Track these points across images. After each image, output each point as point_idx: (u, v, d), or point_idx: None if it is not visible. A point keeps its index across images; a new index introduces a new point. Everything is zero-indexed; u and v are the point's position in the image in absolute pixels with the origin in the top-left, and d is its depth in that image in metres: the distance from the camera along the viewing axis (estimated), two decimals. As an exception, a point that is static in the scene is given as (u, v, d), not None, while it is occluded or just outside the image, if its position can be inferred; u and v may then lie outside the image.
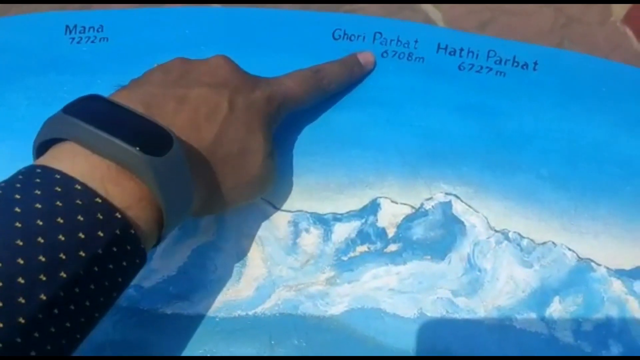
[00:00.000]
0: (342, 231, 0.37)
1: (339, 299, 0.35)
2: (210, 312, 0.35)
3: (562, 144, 0.40)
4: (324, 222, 0.37)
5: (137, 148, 0.25)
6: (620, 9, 0.49)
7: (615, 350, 0.34)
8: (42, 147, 0.27)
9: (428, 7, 0.47)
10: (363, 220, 0.37)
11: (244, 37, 0.43)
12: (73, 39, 0.43)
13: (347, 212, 0.38)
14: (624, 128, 0.40)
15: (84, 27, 0.43)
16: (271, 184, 0.35)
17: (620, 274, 0.36)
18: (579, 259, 0.37)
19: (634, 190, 0.38)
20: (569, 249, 0.37)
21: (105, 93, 0.38)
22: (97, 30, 0.43)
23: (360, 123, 0.40)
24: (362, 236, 0.37)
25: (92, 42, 0.43)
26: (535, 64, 0.42)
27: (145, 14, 0.44)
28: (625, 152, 0.39)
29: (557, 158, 0.39)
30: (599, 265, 0.36)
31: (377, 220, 0.37)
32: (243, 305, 0.35)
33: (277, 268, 0.36)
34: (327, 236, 0.37)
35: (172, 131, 0.27)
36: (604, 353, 0.34)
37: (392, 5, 0.45)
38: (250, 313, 0.35)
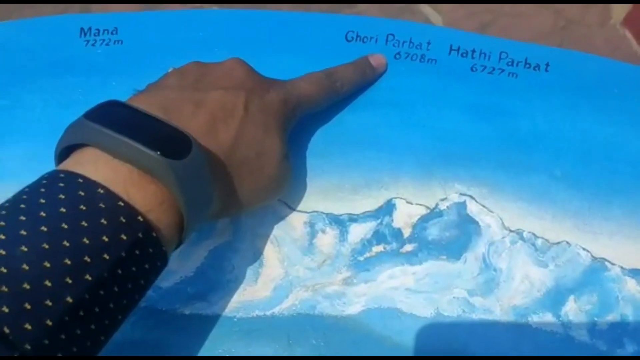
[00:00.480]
0: (358, 232, 0.37)
1: (355, 299, 0.36)
2: (228, 312, 0.35)
3: (574, 144, 0.40)
4: (340, 222, 0.38)
5: (158, 152, 0.25)
6: (619, 11, 0.50)
7: (630, 349, 0.35)
8: (63, 153, 0.27)
9: (428, 10, 0.47)
10: (379, 221, 0.38)
11: (258, 39, 0.43)
12: (88, 41, 0.43)
13: (363, 213, 0.38)
14: (635, 128, 0.40)
15: (99, 30, 0.43)
16: (287, 186, 0.35)
17: (634, 273, 0.37)
18: (593, 258, 0.37)
19: (646, 190, 0.39)
20: (583, 249, 0.37)
21: (120, 95, 0.39)
22: (112, 33, 0.43)
23: (374, 124, 0.41)
24: (378, 236, 0.37)
25: (107, 44, 0.43)
26: (547, 65, 0.43)
27: (158, 16, 0.44)
28: (637, 152, 0.40)
29: (569, 158, 0.40)
30: (613, 264, 0.37)
31: (392, 220, 0.38)
32: (261, 306, 0.35)
33: (294, 268, 0.36)
34: (343, 236, 0.37)
35: (190, 135, 0.27)
36: (619, 352, 0.35)
37: (392, 8, 0.46)
38: (268, 313, 0.35)
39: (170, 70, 0.35)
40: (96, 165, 0.25)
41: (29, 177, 0.26)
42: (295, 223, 0.38)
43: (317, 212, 0.38)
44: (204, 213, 0.29)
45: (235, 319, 0.35)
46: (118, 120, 0.26)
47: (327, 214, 0.38)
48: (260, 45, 0.43)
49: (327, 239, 0.37)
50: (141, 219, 0.25)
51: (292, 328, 0.35)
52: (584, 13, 0.48)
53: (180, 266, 0.36)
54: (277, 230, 0.37)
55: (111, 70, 0.42)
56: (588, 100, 0.41)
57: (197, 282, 0.36)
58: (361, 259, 0.37)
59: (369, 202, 0.38)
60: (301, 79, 0.37)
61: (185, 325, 0.35)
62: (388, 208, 0.38)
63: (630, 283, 0.36)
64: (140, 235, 0.25)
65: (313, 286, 0.36)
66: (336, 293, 0.36)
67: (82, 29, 0.43)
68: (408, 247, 0.37)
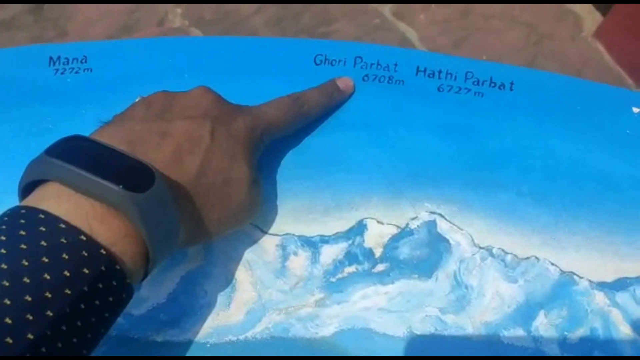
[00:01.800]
0: (330, 253, 0.38)
1: (329, 320, 0.36)
2: (201, 338, 0.35)
3: (540, 161, 0.41)
4: (312, 244, 0.38)
5: (120, 186, 0.25)
6: (590, 24, 0.51)
7: (601, 362, 0.35)
8: (27, 188, 0.27)
9: (404, 27, 0.48)
10: (350, 242, 0.38)
11: (227, 66, 0.44)
12: (57, 70, 0.43)
13: (334, 234, 0.38)
14: (599, 144, 0.41)
15: (68, 59, 0.44)
16: (257, 211, 0.36)
17: (602, 286, 0.37)
18: (562, 272, 0.37)
19: (611, 204, 0.39)
20: (552, 264, 0.38)
21: (91, 123, 0.39)
22: (81, 62, 0.44)
23: (344, 146, 0.41)
24: (350, 257, 0.38)
25: (76, 72, 0.43)
26: (512, 84, 0.44)
27: (128, 44, 0.44)
28: (601, 167, 0.41)
29: (536, 175, 0.40)
30: (581, 278, 0.37)
31: (364, 240, 0.38)
32: (234, 330, 0.35)
33: (267, 292, 0.36)
34: (315, 258, 0.37)
35: (154, 167, 0.27)
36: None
37: (368, 26, 0.47)
38: (241, 337, 0.35)
39: (137, 99, 0.35)
40: (58, 201, 0.25)
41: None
42: (267, 246, 0.38)
43: (289, 234, 0.38)
44: (171, 243, 0.29)
45: (208, 345, 0.35)
46: (79, 155, 0.27)
47: (299, 236, 0.38)
48: (230, 71, 0.44)
49: (299, 261, 0.37)
50: (104, 252, 0.25)
51: (265, 352, 0.35)
52: (555, 27, 0.49)
53: (153, 293, 0.36)
54: (250, 254, 0.37)
55: (81, 99, 0.42)
56: (552, 118, 0.42)
57: (170, 308, 0.36)
58: (333, 280, 0.37)
59: (340, 223, 0.39)
60: (268, 105, 0.37)
61: (158, 353, 0.34)
62: (359, 228, 0.38)
63: (599, 296, 0.37)
64: (103, 268, 0.25)
65: (286, 309, 0.36)
66: (309, 315, 0.36)
67: (51, 58, 0.43)
68: (380, 267, 0.37)
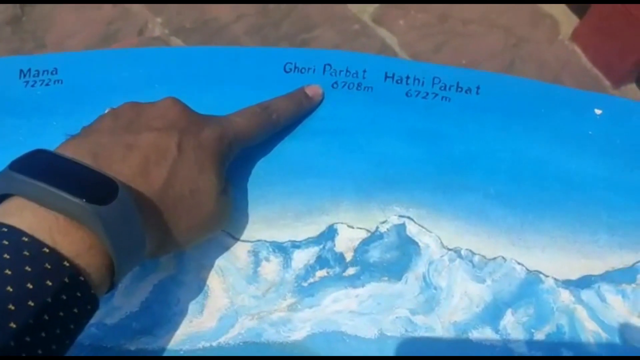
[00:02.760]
0: (302, 258, 0.38)
1: (301, 325, 0.36)
2: (174, 346, 0.35)
3: (506, 164, 0.42)
4: (283, 250, 0.38)
5: (83, 199, 0.26)
6: (567, 27, 0.52)
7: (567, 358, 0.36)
8: None
9: (384, 33, 0.49)
10: (321, 246, 0.39)
11: (198, 75, 0.44)
12: (27, 82, 0.43)
13: (306, 239, 0.39)
14: (562, 145, 0.42)
15: (38, 71, 0.44)
16: (226, 220, 0.36)
17: (567, 284, 0.38)
18: (528, 271, 0.38)
19: (575, 204, 0.40)
20: (518, 263, 0.38)
21: (61, 135, 0.39)
22: (51, 73, 0.44)
23: (314, 152, 0.42)
24: (321, 261, 0.38)
25: (47, 85, 0.43)
26: (478, 88, 0.45)
27: (98, 55, 0.45)
28: (565, 168, 0.42)
29: (503, 177, 0.41)
30: (547, 276, 0.38)
31: (334, 245, 0.39)
32: (207, 337, 0.36)
33: (239, 297, 0.37)
34: (287, 263, 0.38)
35: (117, 179, 0.28)
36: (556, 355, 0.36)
37: (348, 32, 0.47)
38: (214, 344, 0.35)
39: (106, 111, 0.36)
40: (22, 215, 0.26)
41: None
42: (239, 253, 0.38)
43: (260, 240, 0.39)
44: (136, 255, 0.29)
45: (181, 352, 0.35)
46: (43, 169, 0.27)
47: (270, 242, 0.39)
48: (200, 80, 0.44)
49: (271, 266, 0.38)
50: (67, 264, 0.25)
51: (238, 357, 0.35)
52: (533, 31, 0.50)
53: (125, 302, 0.36)
54: (222, 261, 0.38)
55: (52, 111, 0.42)
56: (518, 121, 0.43)
57: (143, 317, 0.36)
58: (305, 284, 0.37)
59: (312, 229, 0.39)
60: (236, 114, 0.38)
61: (131, 361, 0.35)
62: (330, 233, 0.39)
63: (564, 294, 0.38)
64: (66, 280, 0.25)
65: (258, 314, 0.36)
66: (281, 320, 0.36)
67: (21, 70, 0.44)
68: (351, 271, 0.38)
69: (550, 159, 0.42)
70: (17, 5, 0.54)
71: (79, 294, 0.25)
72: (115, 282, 0.28)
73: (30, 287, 0.24)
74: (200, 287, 0.37)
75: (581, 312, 0.37)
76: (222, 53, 0.46)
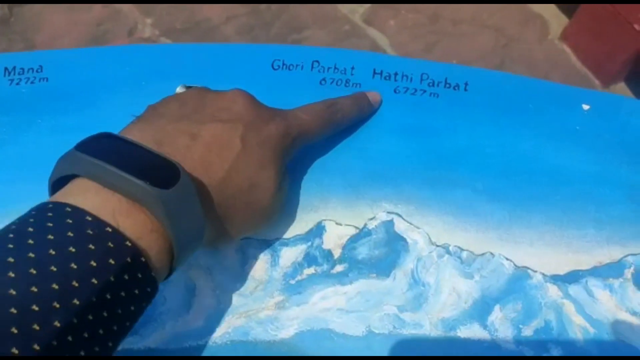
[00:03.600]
0: (289, 255, 0.38)
1: (288, 323, 0.36)
2: (161, 345, 0.35)
3: (495, 159, 0.42)
4: (271, 247, 0.38)
5: (146, 181, 0.26)
6: (556, 27, 0.52)
7: (555, 353, 0.36)
8: (56, 185, 0.28)
9: (375, 33, 0.49)
10: (309, 244, 0.38)
11: (185, 73, 0.44)
12: (12, 80, 0.43)
13: (294, 237, 0.39)
14: (550, 140, 0.42)
15: (23, 69, 0.43)
16: (277, 217, 0.36)
17: (555, 279, 0.38)
18: (516, 267, 0.38)
19: (563, 199, 0.40)
20: (506, 259, 0.38)
21: (47, 132, 0.39)
22: (37, 71, 0.43)
23: (302, 149, 0.41)
24: (309, 259, 0.38)
25: (32, 82, 0.43)
26: (466, 84, 0.45)
27: (84, 53, 0.44)
28: (553, 163, 0.42)
29: (491, 172, 0.41)
30: (535, 272, 0.38)
31: (322, 242, 0.38)
32: (193, 336, 0.35)
33: (227, 296, 0.37)
34: (274, 261, 0.38)
35: (180, 164, 0.28)
36: (544, 356, 0.36)
37: (339, 33, 0.47)
38: (202, 343, 0.35)
39: (178, 89, 0.37)
40: (85, 195, 0.26)
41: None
42: (227, 251, 0.38)
43: (248, 238, 0.38)
44: (196, 241, 0.29)
45: (168, 351, 0.35)
46: (108, 151, 0.27)
47: (258, 240, 0.38)
48: (187, 77, 0.44)
49: (259, 264, 0.38)
50: (129, 244, 0.25)
51: (226, 356, 0.35)
52: (523, 31, 0.50)
53: (112, 301, 0.36)
54: (209, 260, 0.38)
55: (37, 108, 0.42)
56: (506, 117, 0.43)
57: (129, 316, 0.36)
58: (293, 282, 0.37)
59: (300, 226, 0.39)
60: (302, 110, 0.38)
61: (118, 361, 0.35)
62: (318, 230, 0.39)
63: (552, 289, 0.38)
64: (128, 259, 0.25)
65: (246, 312, 0.36)
66: (269, 318, 0.36)
67: (5, 68, 0.43)
68: (339, 268, 0.38)
69: (539, 154, 0.42)
70: (5, 5, 0.53)
71: (140, 275, 0.25)
72: (174, 267, 0.28)
73: (94, 264, 0.24)
74: (187, 286, 0.37)
75: (569, 307, 0.37)
76: (209, 50, 0.45)
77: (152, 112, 0.34)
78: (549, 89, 0.45)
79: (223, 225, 0.32)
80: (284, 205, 0.36)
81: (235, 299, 0.37)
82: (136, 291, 0.25)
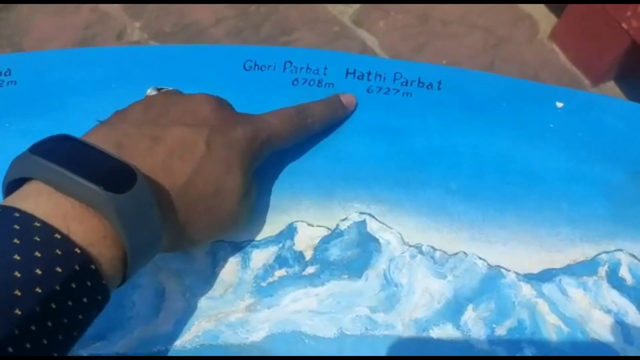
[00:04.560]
0: (260, 257, 0.38)
1: (259, 325, 0.36)
2: (129, 350, 0.34)
3: (468, 159, 0.42)
4: (242, 249, 0.38)
5: (99, 186, 0.25)
6: (546, 27, 0.52)
7: (528, 352, 0.36)
8: (12, 186, 0.27)
9: (364, 34, 0.49)
10: (280, 245, 0.38)
11: (156, 74, 0.44)
12: (-20, 84, 0.42)
13: (264, 239, 0.38)
14: (524, 140, 0.42)
15: (-9, 72, 0.43)
16: (245, 222, 0.36)
17: (529, 278, 0.38)
18: (490, 266, 0.38)
19: (537, 198, 0.40)
20: (480, 258, 0.38)
21: (14, 136, 0.38)
22: (5, 74, 0.43)
23: (273, 151, 0.41)
24: (280, 261, 0.38)
25: (0, 86, 0.42)
26: (440, 83, 0.44)
27: (52, 55, 0.44)
28: (527, 163, 0.41)
29: (464, 172, 0.41)
30: (508, 271, 0.38)
31: (294, 244, 0.38)
32: (162, 340, 0.35)
33: (196, 299, 0.36)
34: (245, 264, 0.37)
35: (137, 169, 0.27)
36: (518, 356, 0.36)
37: (328, 34, 0.47)
38: (171, 347, 0.35)
39: (148, 92, 0.36)
40: (37, 199, 0.25)
41: None
42: (197, 254, 0.37)
43: (218, 241, 0.38)
44: (151, 248, 0.29)
45: (137, 356, 0.34)
46: (62, 154, 0.27)
47: (228, 243, 0.38)
48: (159, 79, 0.43)
49: (229, 267, 0.37)
50: (78, 251, 0.24)
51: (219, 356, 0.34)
52: (512, 31, 0.50)
53: (79, 306, 0.35)
54: (179, 263, 0.37)
55: (5, 112, 0.42)
56: (479, 116, 0.43)
57: (96, 321, 0.35)
58: (264, 284, 0.37)
59: (271, 228, 0.39)
60: (272, 115, 0.37)
61: (85, 367, 0.34)
62: (289, 232, 0.38)
63: (525, 288, 0.38)
64: (76, 267, 0.24)
65: (216, 315, 0.36)
66: (239, 321, 0.36)
67: (-27, 72, 0.43)
68: (310, 269, 0.37)
69: (512, 153, 0.42)
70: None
71: (89, 284, 0.25)
72: (128, 274, 0.28)
73: (39, 272, 0.23)
74: (157, 290, 0.36)
75: (542, 306, 0.37)
76: (181, 51, 0.45)
77: (116, 117, 0.33)
78: (523, 87, 0.45)
79: (186, 230, 0.32)
80: (252, 210, 0.36)
81: (205, 302, 0.36)
82: (84, 299, 0.25)
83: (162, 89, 0.38)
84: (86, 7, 0.53)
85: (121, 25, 0.53)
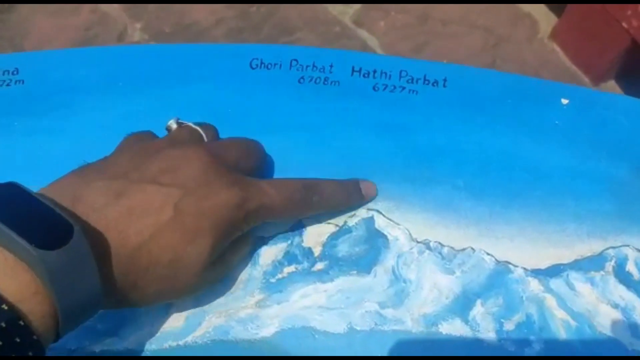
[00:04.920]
0: (269, 254, 0.38)
1: (269, 321, 0.36)
2: (140, 346, 0.35)
3: (474, 155, 0.42)
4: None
5: (29, 241, 0.24)
6: (546, 26, 0.53)
7: (537, 347, 0.36)
8: None
9: (365, 34, 0.49)
10: (289, 242, 0.38)
11: (162, 73, 0.44)
12: (-12, 82, 0.43)
13: (273, 235, 0.38)
14: (528, 136, 0.43)
15: (-2, 71, 0.43)
16: (205, 288, 0.34)
17: (536, 273, 0.38)
18: (497, 262, 0.38)
19: (542, 193, 0.40)
20: (487, 254, 0.38)
21: (20, 135, 0.38)
22: (12, 74, 0.43)
23: (281, 147, 0.41)
24: (289, 257, 0.38)
25: (8, 85, 0.43)
26: (445, 81, 0.45)
27: (60, 54, 0.44)
28: (532, 158, 0.42)
29: (470, 168, 0.41)
30: (516, 266, 0.38)
31: (302, 240, 0.38)
32: (173, 336, 0.35)
33: (206, 296, 0.36)
34: (254, 260, 0.38)
35: (77, 224, 0.26)
36: (526, 351, 0.36)
37: (329, 34, 0.47)
38: (181, 343, 0.35)
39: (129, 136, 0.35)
40: None
41: None
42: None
43: (228, 237, 0.38)
44: (87, 307, 0.28)
45: (147, 352, 0.35)
46: (3, 204, 0.26)
47: (237, 239, 0.38)
48: (165, 78, 0.43)
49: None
50: (6, 308, 0.24)
51: (205, 355, 0.35)
52: (512, 30, 0.51)
53: (89, 303, 0.35)
54: (188, 259, 0.37)
55: (13, 111, 0.42)
56: (485, 113, 0.44)
57: (107, 318, 0.35)
58: (273, 280, 0.37)
59: (280, 224, 0.39)
60: (272, 185, 0.34)
61: (95, 363, 0.34)
62: (298, 228, 0.39)
63: (533, 283, 0.38)
64: (3, 324, 0.23)
65: (226, 311, 0.36)
66: (249, 317, 0.36)
67: (-20, 71, 0.43)
68: (319, 266, 0.38)
69: (518, 149, 0.42)
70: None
71: (18, 340, 0.24)
72: (61, 332, 0.27)
73: None
74: (166, 286, 0.36)
75: (550, 301, 0.37)
76: (187, 50, 0.45)
77: (97, 164, 0.32)
78: (528, 84, 0.45)
79: (133, 294, 0.30)
80: (218, 279, 0.35)
81: (215, 298, 0.36)
82: (14, 355, 0.24)
83: (183, 123, 0.37)
84: (86, 8, 0.53)
85: (122, 26, 0.53)
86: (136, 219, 0.29)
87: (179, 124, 0.37)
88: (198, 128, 0.37)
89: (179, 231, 0.30)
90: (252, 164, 0.36)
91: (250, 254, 0.37)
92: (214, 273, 0.33)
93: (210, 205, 0.31)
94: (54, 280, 0.25)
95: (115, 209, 0.29)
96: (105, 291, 0.28)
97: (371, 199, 0.39)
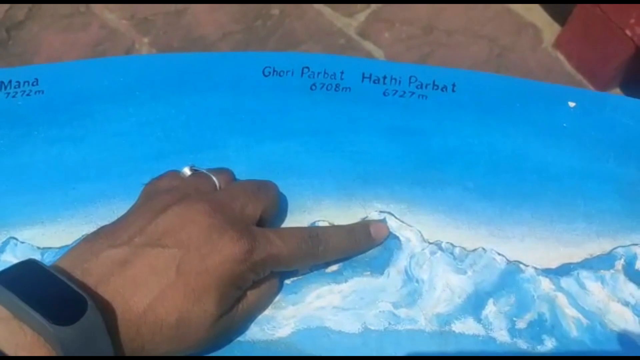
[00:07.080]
0: (284, 256, 0.38)
1: (285, 322, 0.36)
2: (160, 347, 0.35)
3: (483, 157, 0.43)
4: (266, 249, 0.39)
5: (45, 317, 0.25)
6: (550, 35, 0.53)
7: (549, 345, 0.36)
8: None
9: (370, 46, 0.50)
10: (303, 244, 0.39)
11: (179, 81, 0.45)
12: (8, 93, 0.44)
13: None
14: (537, 138, 0.43)
15: (19, 82, 0.44)
16: (220, 341, 0.35)
17: (547, 272, 0.39)
18: (508, 262, 0.39)
19: (552, 195, 0.41)
20: (498, 254, 0.39)
21: (41, 144, 0.39)
22: (32, 84, 0.44)
23: (294, 152, 0.42)
24: (304, 259, 0.38)
25: (28, 95, 0.44)
26: (454, 85, 0.46)
27: (78, 65, 0.45)
28: (541, 160, 0.42)
29: (480, 170, 0.42)
30: (527, 266, 0.39)
31: (317, 243, 0.39)
32: (191, 337, 0.36)
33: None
34: (269, 262, 0.38)
35: (90, 298, 0.27)
36: (539, 348, 0.36)
37: (334, 46, 0.49)
38: (200, 344, 0.36)
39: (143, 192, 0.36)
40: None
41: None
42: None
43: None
44: None
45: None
46: (22, 283, 0.27)
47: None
48: (179, 86, 0.45)
49: (254, 266, 0.38)
50: None
51: (224, 355, 0.35)
52: (516, 40, 0.51)
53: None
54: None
55: (33, 121, 0.43)
56: (493, 116, 0.44)
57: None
58: (288, 282, 0.38)
59: (293, 227, 0.39)
60: (279, 235, 0.35)
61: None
62: (312, 231, 0.39)
63: (544, 282, 0.38)
64: None
65: (243, 313, 0.37)
66: (265, 318, 0.36)
67: (2, 82, 0.44)
68: (333, 267, 0.38)
69: (527, 151, 0.43)
70: (3, 29, 0.54)
71: None
72: None
73: None
74: (184, 288, 0.37)
75: (561, 300, 0.38)
76: (201, 59, 0.46)
77: (107, 229, 0.33)
78: (535, 88, 0.46)
79: (144, 353, 0.31)
80: (232, 330, 0.35)
81: (232, 300, 0.37)
82: None
83: (197, 170, 0.38)
84: (95, 23, 0.54)
85: (130, 41, 0.54)
86: (141, 285, 0.30)
87: (192, 171, 0.38)
88: (211, 175, 0.38)
89: (183, 291, 0.30)
90: (261, 208, 0.36)
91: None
92: (226, 325, 0.33)
93: (213, 262, 0.31)
94: (68, 355, 0.26)
95: (120, 277, 0.30)
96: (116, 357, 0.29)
97: (384, 239, 0.39)
